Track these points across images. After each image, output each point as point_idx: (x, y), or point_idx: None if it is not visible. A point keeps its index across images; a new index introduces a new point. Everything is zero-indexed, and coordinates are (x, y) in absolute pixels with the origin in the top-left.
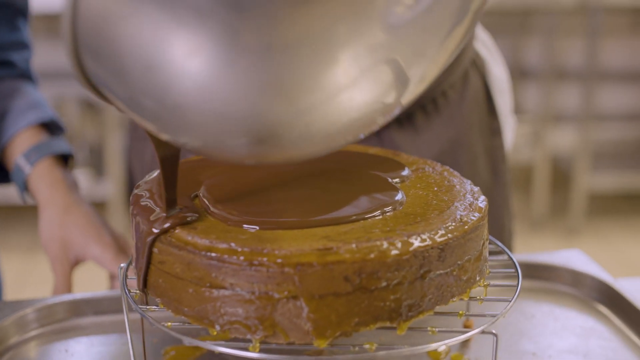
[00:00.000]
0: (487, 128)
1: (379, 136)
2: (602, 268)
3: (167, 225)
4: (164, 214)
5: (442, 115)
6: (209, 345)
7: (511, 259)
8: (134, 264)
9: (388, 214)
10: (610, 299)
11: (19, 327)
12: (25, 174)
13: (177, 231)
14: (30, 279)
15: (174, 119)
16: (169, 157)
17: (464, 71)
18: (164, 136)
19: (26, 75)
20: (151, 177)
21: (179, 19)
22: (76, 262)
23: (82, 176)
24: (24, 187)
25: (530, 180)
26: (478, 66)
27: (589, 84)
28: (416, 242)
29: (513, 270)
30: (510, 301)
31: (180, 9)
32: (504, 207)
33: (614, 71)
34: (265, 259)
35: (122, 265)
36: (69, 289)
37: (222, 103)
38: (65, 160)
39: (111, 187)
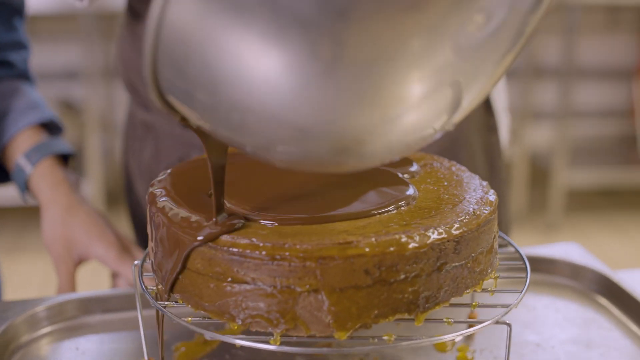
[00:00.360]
0: (484, 125)
1: None
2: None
3: (217, 231)
4: (213, 219)
5: None
6: (231, 339)
7: (518, 252)
8: (152, 260)
9: (403, 208)
10: (610, 291)
11: (30, 326)
12: (26, 174)
13: None
14: (11, 281)
15: (257, 127)
16: (222, 166)
17: None
18: (233, 141)
19: (25, 75)
20: (164, 175)
21: (280, 30)
22: (79, 262)
23: None
24: (25, 187)
25: (509, 176)
26: None
27: (566, 81)
28: (433, 235)
29: (516, 262)
30: (521, 292)
31: (283, 21)
32: (502, 202)
33: (591, 68)
34: (287, 253)
35: (136, 262)
36: (72, 288)
37: (315, 112)
38: (65, 160)
39: (91, 188)
